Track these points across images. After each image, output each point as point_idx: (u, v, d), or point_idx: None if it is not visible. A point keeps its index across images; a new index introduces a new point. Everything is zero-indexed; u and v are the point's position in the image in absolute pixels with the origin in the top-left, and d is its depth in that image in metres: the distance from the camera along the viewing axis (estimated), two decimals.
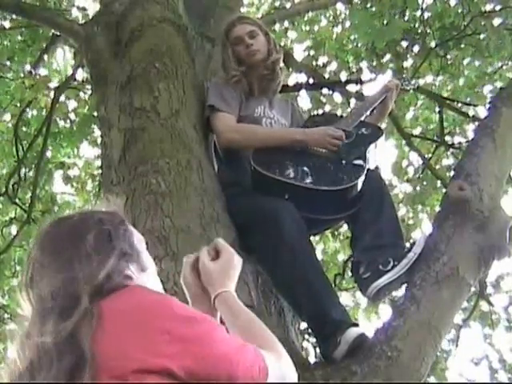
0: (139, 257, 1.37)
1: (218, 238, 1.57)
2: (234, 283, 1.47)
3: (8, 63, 5.64)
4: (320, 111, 5.64)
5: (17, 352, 1.20)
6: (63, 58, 6.41)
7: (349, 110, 5.00)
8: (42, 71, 6.09)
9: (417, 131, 6.12)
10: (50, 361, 1.14)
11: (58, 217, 1.39)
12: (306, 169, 2.59)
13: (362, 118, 2.85)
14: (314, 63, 5.78)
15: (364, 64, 5.61)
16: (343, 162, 2.61)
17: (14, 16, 5.31)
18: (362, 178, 2.55)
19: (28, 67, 5.67)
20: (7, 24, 5.63)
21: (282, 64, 2.97)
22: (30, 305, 1.28)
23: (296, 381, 1.32)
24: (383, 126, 3.12)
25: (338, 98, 5.74)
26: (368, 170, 2.61)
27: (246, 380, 1.19)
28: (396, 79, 3.09)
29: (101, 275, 1.24)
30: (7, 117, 6.27)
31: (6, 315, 6.29)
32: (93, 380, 1.11)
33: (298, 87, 3.34)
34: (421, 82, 5.53)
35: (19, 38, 5.66)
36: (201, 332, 1.19)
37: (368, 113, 2.90)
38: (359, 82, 4.56)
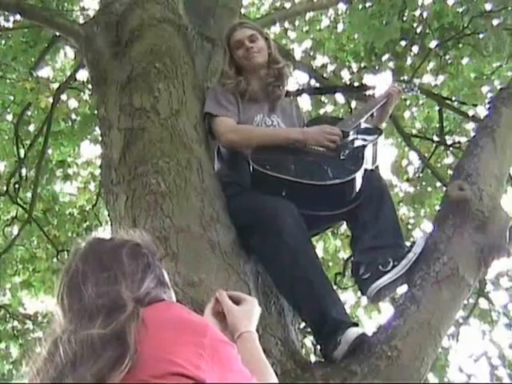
0: (169, 288, 1.49)
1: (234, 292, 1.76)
2: (254, 326, 1.62)
3: (12, 64, 5.64)
4: (321, 111, 5.66)
5: (57, 345, 1.25)
6: (64, 58, 6.43)
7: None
8: (43, 72, 6.10)
9: (416, 131, 6.13)
10: (94, 351, 1.21)
11: (97, 237, 1.50)
12: (303, 165, 2.59)
13: (362, 120, 2.86)
14: (313, 63, 5.78)
15: (364, 64, 5.62)
16: (340, 159, 2.62)
17: (16, 17, 5.33)
18: (359, 174, 2.55)
19: (29, 69, 5.67)
20: (10, 25, 5.64)
21: (288, 71, 2.97)
22: (68, 309, 1.35)
23: None
24: (383, 125, 3.12)
25: (339, 98, 5.76)
26: (366, 169, 2.61)
27: None
28: (399, 85, 3.09)
29: (142, 290, 1.36)
30: (8, 116, 6.28)
31: (7, 315, 6.30)
32: (138, 376, 1.19)
33: (300, 92, 3.35)
34: (420, 81, 5.55)
35: (22, 39, 5.66)
36: (227, 357, 1.30)
37: (368, 115, 2.91)
38: (363, 87, 4.57)
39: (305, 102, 6.06)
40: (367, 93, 3.62)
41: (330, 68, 5.89)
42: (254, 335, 1.59)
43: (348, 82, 5.56)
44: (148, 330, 1.26)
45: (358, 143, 2.71)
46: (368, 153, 2.68)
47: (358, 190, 2.56)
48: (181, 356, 1.22)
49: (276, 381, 1.49)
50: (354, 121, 2.83)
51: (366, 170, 2.61)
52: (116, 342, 1.21)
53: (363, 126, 2.84)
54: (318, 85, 5.29)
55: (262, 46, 2.92)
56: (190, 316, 1.34)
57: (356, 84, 5.15)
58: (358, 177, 2.56)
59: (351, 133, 2.74)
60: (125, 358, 1.19)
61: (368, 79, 5.60)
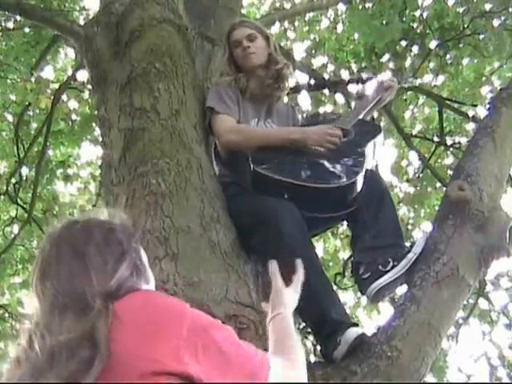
0: (146, 270, 1.44)
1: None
2: (288, 308, 1.66)
3: (13, 64, 5.64)
4: (321, 110, 5.66)
5: (32, 340, 1.24)
6: (65, 58, 6.43)
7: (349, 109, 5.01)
8: (44, 72, 6.11)
9: (416, 131, 6.13)
10: (66, 353, 1.19)
11: (72, 218, 1.44)
12: (303, 167, 2.58)
13: (361, 117, 2.85)
14: (313, 63, 5.79)
15: (363, 64, 5.62)
16: (341, 160, 2.61)
17: (17, 17, 5.33)
18: (361, 175, 2.55)
19: (30, 69, 5.67)
20: (11, 25, 5.65)
21: (288, 71, 2.92)
22: (41, 297, 1.32)
23: None
24: (382, 124, 3.12)
25: (339, 98, 5.76)
26: (367, 169, 2.61)
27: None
28: (393, 77, 3.08)
29: (113, 282, 1.30)
30: (8, 116, 6.29)
31: (6, 314, 6.31)
32: (117, 377, 1.16)
33: (298, 88, 3.34)
34: (420, 81, 5.56)
35: (23, 39, 5.67)
36: (213, 340, 1.26)
37: (366, 111, 2.90)
38: (360, 81, 4.57)
39: (304, 101, 6.08)
40: (366, 88, 3.61)
41: (330, 68, 5.91)
42: (284, 316, 1.60)
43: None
44: (123, 325, 1.21)
45: (357, 142, 2.69)
46: (369, 151, 2.68)
47: (358, 190, 2.55)
48: (160, 351, 1.18)
49: (302, 361, 1.47)
50: (352, 117, 2.82)
51: (366, 170, 2.61)
52: (86, 343, 1.19)
53: (361, 123, 2.82)
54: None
55: (260, 46, 2.89)
56: (166, 305, 1.29)
57: (354, 78, 5.14)
58: (360, 178, 2.55)
59: (351, 131, 2.73)
60: (95, 360, 1.16)
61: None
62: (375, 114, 3.10)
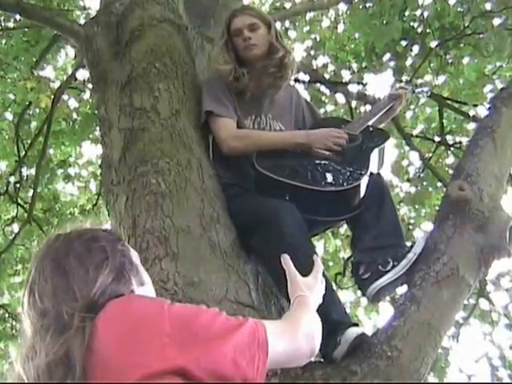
0: (138, 271, 1.44)
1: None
2: (312, 295, 1.70)
3: (13, 63, 5.65)
4: (321, 111, 5.66)
5: (23, 369, 1.27)
6: (65, 57, 6.44)
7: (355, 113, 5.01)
8: (44, 71, 6.12)
9: (417, 131, 6.13)
10: (45, 378, 1.22)
11: (55, 233, 1.45)
12: (307, 170, 2.57)
13: (370, 123, 2.83)
14: (314, 63, 5.80)
15: (364, 64, 5.63)
16: (346, 164, 2.59)
17: (17, 17, 5.34)
18: (364, 180, 2.54)
19: (30, 68, 5.68)
20: (11, 24, 5.65)
21: (290, 59, 2.84)
22: (30, 318, 1.34)
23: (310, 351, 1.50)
24: (383, 125, 3.10)
25: (339, 98, 5.77)
26: (371, 174, 2.60)
27: (245, 354, 1.27)
28: (407, 86, 3.05)
29: (95, 290, 1.30)
30: (9, 116, 6.29)
31: (6, 314, 6.31)
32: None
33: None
34: (420, 81, 5.56)
35: (23, 38, 5.67)
36: (200, 326, 1.25)
37: (376, 118, 2.88)
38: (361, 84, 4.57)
39: None
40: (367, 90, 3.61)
41: (331, 68, 5.91)
42: (302, 298, 1.65)
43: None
44: (105, 335, 1.22)
45: (364, 147, 2.68)
46: (374, 157, 2.66)
47: (362, 195, 2.54)
48: (145, 354, 1.18)
49: (305, 330, 1.50)
50: (361, 123, 2.80)
51: (371, 174, 2.60)
52: (61, 365, 1.21)
53: (370, 129, 2.80)
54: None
55: (261, 36, 2.81)
56: (144, 307, 1.28)
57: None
58: (363, 183, 2.54)
59: (358, 136, 2.72)
60: (67, 379, 1.19)
61: (369, 79, 5.62)
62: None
